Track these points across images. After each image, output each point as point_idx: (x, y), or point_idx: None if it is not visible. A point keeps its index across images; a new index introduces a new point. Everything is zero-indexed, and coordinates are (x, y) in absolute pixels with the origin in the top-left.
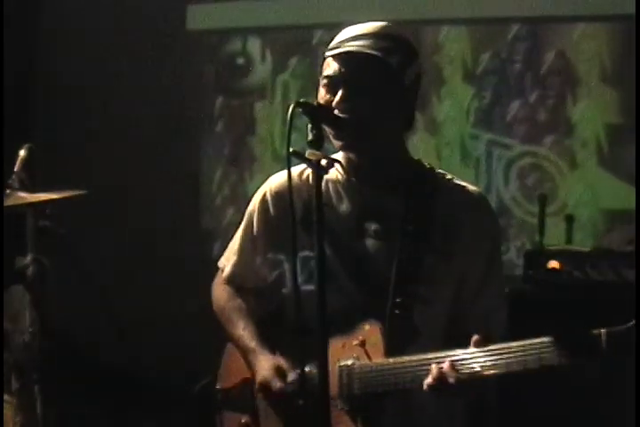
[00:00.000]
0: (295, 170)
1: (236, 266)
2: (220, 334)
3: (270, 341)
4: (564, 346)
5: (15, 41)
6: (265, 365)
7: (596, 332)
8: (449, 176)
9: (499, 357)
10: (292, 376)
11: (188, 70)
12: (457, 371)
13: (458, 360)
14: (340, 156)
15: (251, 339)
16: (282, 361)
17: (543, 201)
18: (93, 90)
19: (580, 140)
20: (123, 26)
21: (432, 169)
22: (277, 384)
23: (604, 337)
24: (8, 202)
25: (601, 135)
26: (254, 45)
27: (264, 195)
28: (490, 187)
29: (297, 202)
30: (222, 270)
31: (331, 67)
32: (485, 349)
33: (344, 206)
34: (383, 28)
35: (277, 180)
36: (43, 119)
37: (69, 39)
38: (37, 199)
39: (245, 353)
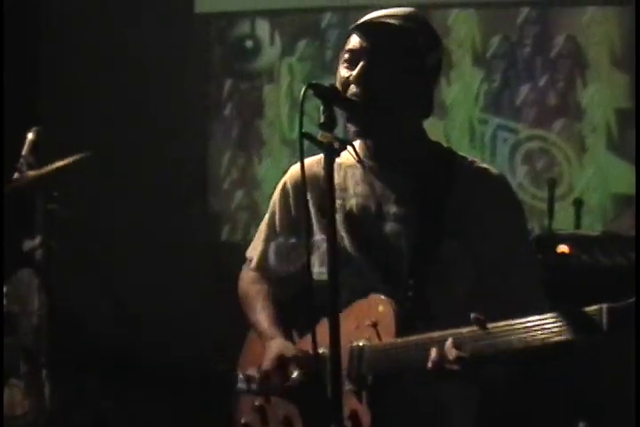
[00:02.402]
0: (315, 158)
1: (263, 256)
2: (227, 317)
3: (290, 327)
4: (565, 323)
5: (20, 24)
6: (271, 354)
7: (596, 308)
8: (470, 159)
9: (501, 335)
10: (295, 373)
11: (196, 53)
12: (459, 349)
13: (461, 339)
14: (357, 144)
15: (266, 322)
16: (289, 349)
17: (553, 185)
18: (100, 74)
19: (590, 124)
20: (131, 9)
21: (452, 152)
22: (275, 381)
23: (605, 313)
24: (17, 185)
25: (610, 119)
26: (263, 28)
27: (284, 184)
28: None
29: (317, 189)
30: (250, 260)
31: (353, 41)
32: (489, 327)
33: (361, 190)
34: (409, 11)
35: (297, 169)
36: (50, 102)
37: (75, 22)
38: (45, 171)
39: (260, 337)
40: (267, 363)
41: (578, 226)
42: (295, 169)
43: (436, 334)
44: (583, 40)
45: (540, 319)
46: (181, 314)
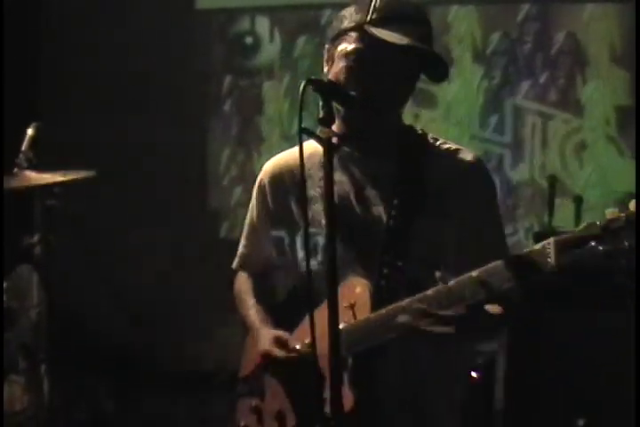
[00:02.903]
0: (289, 152)
1: (244, 252)
2: (223, 314)
3: (281, 320)
4: (515, 267)
5: (20, 24)
6: (266, 337)
7: (544, 243)
8: (441, 141)
9: (458, 290)
10: (293, 344)
11: (196, 49)
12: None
13: (428, 300)
14: (335, 126)
15: (256, 316)
16: (281, 333)
17: (553, 182)
18: (102, 70)
19: (590, 120)
20: (132, 5)
21: (424, 134)
22: (279, 353)
23: (553, 247)
24: (15, 182)
25: (610, 116)
26: (263, 25)
27: (260, 181)
28: (499, 167)
29: (291, 181)
30: None
31: (363, 43)
32: (448, 284)
33: (339, 176)
34: (416, 8)
35: (271, 164)
36: (50, 102)
37: (75, 22)
38: (45, 181)
39: (252, 332)
40: (264, 346)
41: (578, 223)
42: (269, 165)
43: (404, 302)
44: (583, 37)
45: (491, 268)
46: (181, 314)
